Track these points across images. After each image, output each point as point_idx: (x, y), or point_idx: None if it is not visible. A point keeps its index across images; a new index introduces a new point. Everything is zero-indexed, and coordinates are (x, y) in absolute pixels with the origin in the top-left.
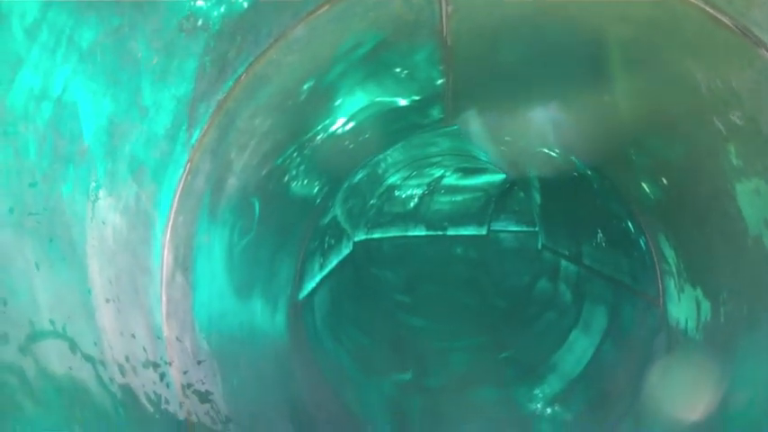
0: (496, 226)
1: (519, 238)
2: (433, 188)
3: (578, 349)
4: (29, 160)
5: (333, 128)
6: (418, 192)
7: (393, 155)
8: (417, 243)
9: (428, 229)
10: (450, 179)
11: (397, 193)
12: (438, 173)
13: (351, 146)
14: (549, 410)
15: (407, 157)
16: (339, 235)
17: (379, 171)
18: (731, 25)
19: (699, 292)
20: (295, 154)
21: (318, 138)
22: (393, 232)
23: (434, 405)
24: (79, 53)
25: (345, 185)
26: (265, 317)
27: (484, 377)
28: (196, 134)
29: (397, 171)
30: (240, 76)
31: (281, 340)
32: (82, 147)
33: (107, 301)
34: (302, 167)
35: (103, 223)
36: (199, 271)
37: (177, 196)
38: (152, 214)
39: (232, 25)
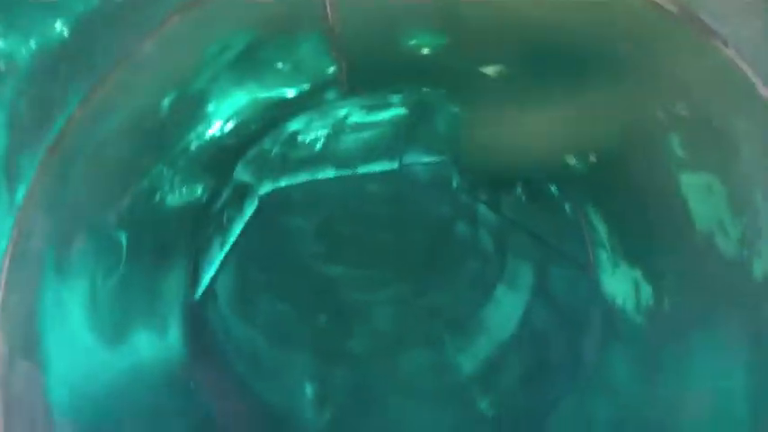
0: (408, 159)
1: (432, 169)
2: (339, 128)
3: (506, 305)
4: None
5: (210, 132)
6: (323, 132)
7: None
8: (328, 185)
9: (338, 168)
10: (356, 117)
11: (300, 137)
12: (343, 112)
13: (235, 141)
14: (484, 378)
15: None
16: (240, 199)
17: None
18: (678, 14)
19: (637, 273)
20: (165, 170)
21: (193, 146)
22: (301, 177)
23: (362, 377)
24: None
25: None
26: (152, 345)
27: (411, 337)
28: (20, 192)
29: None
30: (73, 113)
31: (176, 359)
32: None
33: None
34: (177, 178)
35: None
36: (51, 343)
37: (4, 270)
38: None
39: (51, 59)
